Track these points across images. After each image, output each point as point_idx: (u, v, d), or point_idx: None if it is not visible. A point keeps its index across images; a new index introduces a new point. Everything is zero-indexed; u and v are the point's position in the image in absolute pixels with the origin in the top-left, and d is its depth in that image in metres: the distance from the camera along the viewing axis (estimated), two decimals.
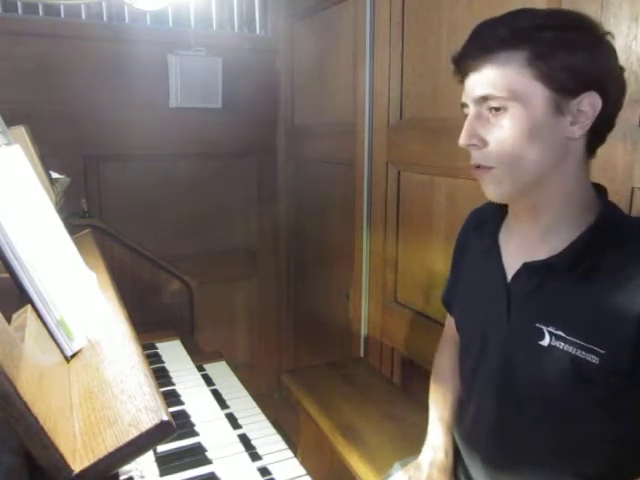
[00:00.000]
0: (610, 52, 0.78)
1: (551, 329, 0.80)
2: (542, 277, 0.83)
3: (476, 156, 0.82)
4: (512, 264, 0.88)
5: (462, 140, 0.82)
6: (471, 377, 0.97)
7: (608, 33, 0.78)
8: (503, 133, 0.78)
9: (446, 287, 1.13)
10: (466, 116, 0.84)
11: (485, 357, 0.92)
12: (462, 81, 0.84)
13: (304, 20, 2.31)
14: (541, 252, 0.83)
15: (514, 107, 0.77)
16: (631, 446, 0.82)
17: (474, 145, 0.81)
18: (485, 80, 0.78)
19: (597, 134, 0.80)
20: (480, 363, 0.94)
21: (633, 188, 1.04)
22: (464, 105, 0.84)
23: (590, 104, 0.76)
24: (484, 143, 0.80)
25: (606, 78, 0.78)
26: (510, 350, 0.87)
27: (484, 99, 0.79)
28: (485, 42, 0.78)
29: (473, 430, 0.97)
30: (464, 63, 0.81)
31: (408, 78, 1.68)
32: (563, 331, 0.79)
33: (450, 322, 1.13)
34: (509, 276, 0.88)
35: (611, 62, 0.78)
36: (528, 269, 0.84)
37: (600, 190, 0.84)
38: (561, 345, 0.79)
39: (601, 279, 0.77)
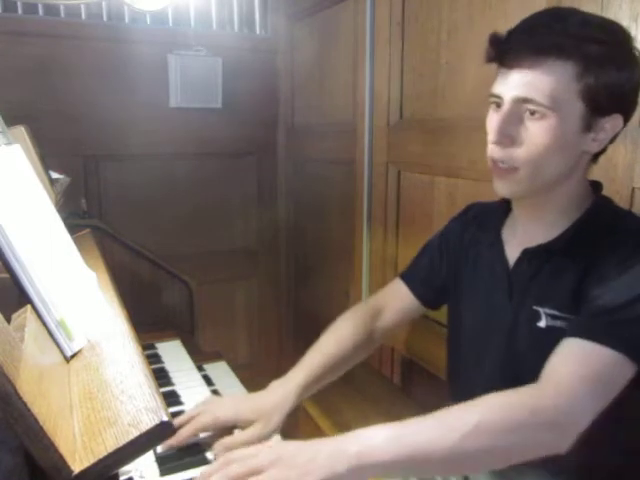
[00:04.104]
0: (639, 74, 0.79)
1: (546, 309, 0.84)
2: (540, 262, 0.87)
3: (502, 154, 0.82)
4: (514, 255, 0.91)
5: (493, 137, 0.81)
6: (475, 367, 0.98)
7: (637, 48, 0.79)
8: (535, 139, 0.79)
9: (413, 267, 1.16)
10: (492, 104, 0.83)
11: (489, 345, 0.94)
12: (494, 62, 0.82)
13: (304, 20, 2.31)
14: (540, 240, 0.87)
15: (552, 117, 0.77)
16: (631, 443, 0.83)
17: (502, 143, 0.81)
18: (531, 82, 0.77)
19: (604, 147, 0.84)
20: (485, 351, 0.95)
21: (633, 188, 1.04)
22: (496, 96, 0.82)
23: (613, 125, 0.79)
24: (513, 142, 0.80)
25: (633, 101, 0.80)
26: (514, 336, 0.89)
27: (525, 101, 0.78)
28: (541, 44, 0.76)
29: None
30: (511, 56, 0.79)
31: (408, 78, 1.68)
32: (557, 309, 0.83)
33: (393, 294, 1.14)
34: (511, 265, 0.92)
35: (639, 85, 0.80)
36: (527, 255, 0.89)
37: (595, 185, 0.89)
38: (557, 324, 0.83)
39: (589, 261, 0.81)
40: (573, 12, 0.80)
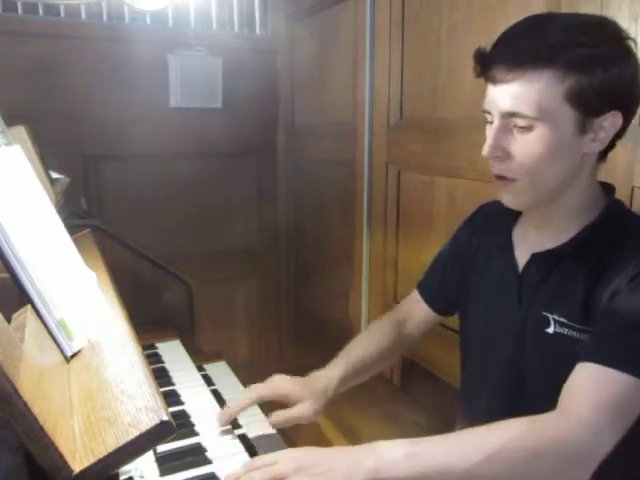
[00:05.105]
0: (636, 65, 0.78)
1: (555, 316, 0.84)
2: (549, 267, 0.86)
3: (499, 167, 0.82)
4: (524, 258, 0.91)
5: (486, 152, 0.82)
6: (481, 368, 0.98)
7: (631, 39, 0.78)
8: (528, 149, 0.79)
9: (427, 276, 1.15)
10: (487, 121, 0.84)
11: (496, 347, 0.94)
12: (482, 78, 0.83)
13: (304, 20, 2.31)
14: (550, 244, 0.86)
15: (540, 126, 0.77)
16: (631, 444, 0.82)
17: (497, 157, 0.82)
18: (515, 95, 0.77)
19: (610, 144, 0.82)
20: (490, 354, 0.95)
21: (633, 187, 1.04)
22: (487, 112, 0.83)
23: (612, 123, 0.78)
24: (507, 155, 0.81)
25: (631, 96, 0.79)
26: (521, 340, 0.89)
27: (512, 115, 0.78)
28: (518, 56, 0.76)
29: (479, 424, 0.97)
30: (493, 71, 0.79)
31: (408, 78, 1.68)
32: (566, 318, 0.82)
33: (413, 304, 1.15)
34: (520, 269, 0.91)
35: (637, 77, 0.78)
36: (537, 259, 0.88)
37: (607, 188, 0.88)
38: (565, 331, 0.82)
39: (600, 269, 0.80)
40: (551, 18, 0.79)
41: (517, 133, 0.79)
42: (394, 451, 0.70)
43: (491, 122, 0.82)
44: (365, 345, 1.08)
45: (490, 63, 0.80)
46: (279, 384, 0.99)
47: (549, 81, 0.75)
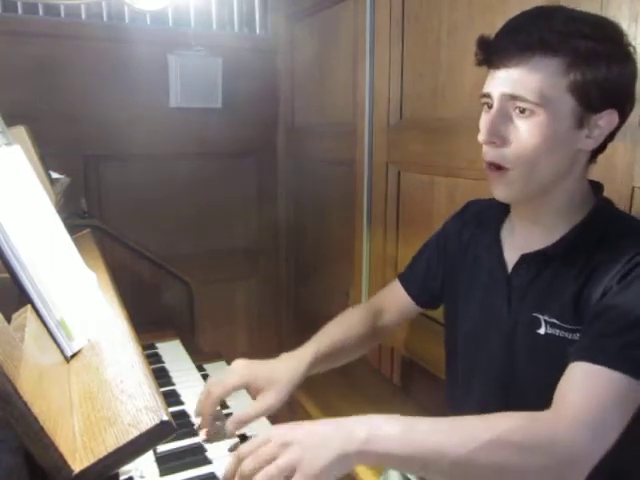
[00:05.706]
0: (635, 69, 0.79)
1: (546, 317, 0.83)
2: (539, 267, 0.86)
3: (493, 154, 0.81)
4: (513, 258, 0.90)
5: (483, 137, 0.81)
6: (470, 371, 0.98)
7: (630, 45, 0.78)
8: (525, 137, 0.78)
9: (411, 268, 1.16)
10: (484, 106, 0.83)
11: (486, 346, 0.93)
12: (484, 65, 0.82)
13: (304, 20, 2.31)
14: (539, 245, 0.86)
15: (541, 113, 0.76)
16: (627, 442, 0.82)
17: (493, 143, 0.80)
18: (518, 79, 0.77)
19: (602, 145, 0.82)
20: (482, 352, 0.94)
21: (633, 187, 1.04)
22: (486, 95, 0.82)
23: (608, 121, 0.78)
24: (504, 142, 0.80)
25: (628, 97, 0.79)
26: (512, 341, 0.88)
27: (513, 98, 0.78)
28: (526, 41, 0.76)
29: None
30: (498, 56, 0.79)
31: (408, 78, 1.68)
32: (557, 318, 0.82)
33: (392, 295, 1.16)
34: (510, 269, 0.90)
35: (634, 79, 0.79)
36: (526, 260, 0.87)
37: (596, 186, 0.87)
38: (556, 332, 0.82)
39: (590, 269, 0.80)
40: (559, 9, 0.80)
41: (516, 119, 0.78)
42: (391, 426, 0.68)
43: (489, 107, 0.82)
44: (339, 330, 1.07)
45: (496, 49, 0.79)
46: (238, 378, 0.94)
47: (554, 70, 0.75)
